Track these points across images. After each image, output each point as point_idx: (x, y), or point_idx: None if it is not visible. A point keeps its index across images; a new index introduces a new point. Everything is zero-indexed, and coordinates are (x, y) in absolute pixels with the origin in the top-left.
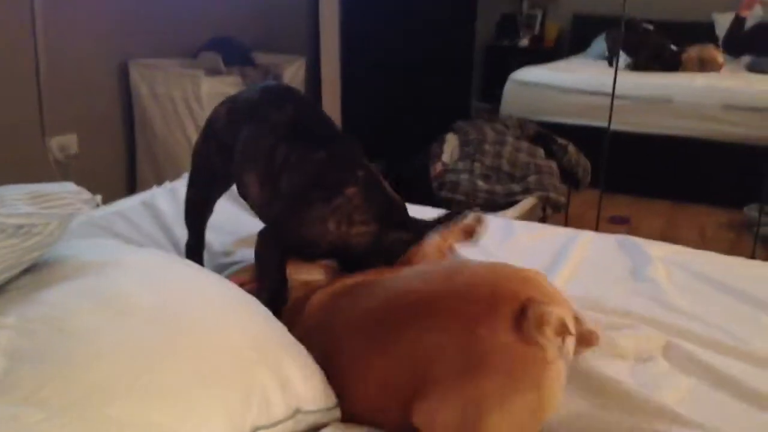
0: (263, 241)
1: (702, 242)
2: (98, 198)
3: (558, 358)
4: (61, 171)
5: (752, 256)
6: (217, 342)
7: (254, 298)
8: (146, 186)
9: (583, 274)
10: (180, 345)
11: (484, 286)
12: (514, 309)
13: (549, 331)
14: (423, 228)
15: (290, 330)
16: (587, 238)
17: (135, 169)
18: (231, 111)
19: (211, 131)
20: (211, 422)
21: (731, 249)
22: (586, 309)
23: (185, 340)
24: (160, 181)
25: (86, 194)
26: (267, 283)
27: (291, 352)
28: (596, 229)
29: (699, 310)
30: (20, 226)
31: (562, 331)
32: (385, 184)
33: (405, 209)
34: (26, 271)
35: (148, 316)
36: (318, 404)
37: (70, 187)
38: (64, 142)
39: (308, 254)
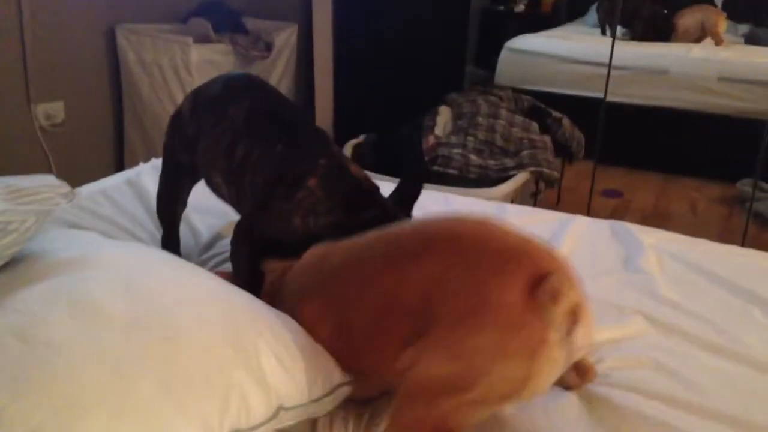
0: (235, 236)
1: (694, 217)
2: (76, 191)
3: (558, 342)
4: (48, 139)
5: (745, 232)
6: (192, 346)
7: (233, 286)
8: (134, 154)
9: (575, 263)
10: (153, 354)
11: (514, 243)
12: (533, 276)
13: (559, 309)
14: (392, 205)
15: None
16: (580, 223)
17: (123, 138)
18: (194, 106)
19: (176, 126)
20: None
21: (723, 224)
22: None
23: (158, 349)
24: (148, 150)
25: (64, 187)
26: (239, 279)
27: (272, 343)
28: (589, 202)
29: (691, 304)
30: None
31: (573, 317)
32: (353, 166)
33: (375, 189)
34: (0, 267)
35: (121, 324)
36: (302, 398)
37: (48, 180)
38: (50, 110)
39: (281, 252)
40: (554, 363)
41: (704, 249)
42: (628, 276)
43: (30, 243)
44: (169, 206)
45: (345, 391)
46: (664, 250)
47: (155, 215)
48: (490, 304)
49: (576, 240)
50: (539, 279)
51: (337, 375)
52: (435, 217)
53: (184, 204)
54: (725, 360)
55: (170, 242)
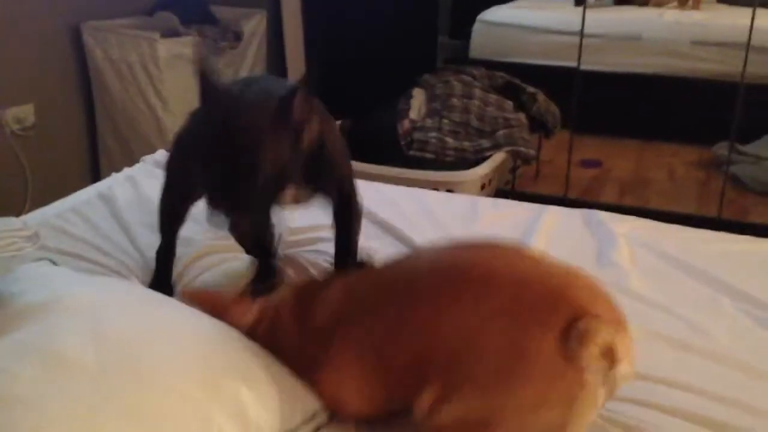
0: None
1: (672, 183)
2: (40, 233)
3: (597, 383)
4: (20, 144)
5: (722, 196)
6: (165, 391)
7: (209, 318)
8: (109, 154)
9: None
10: (125, 402)
11: (554, 284)
12: (570, 320)
13: (592, 351)
14: None
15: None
16: (553, 215)
17: (96, 138)
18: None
19: (178, 144)
20: None
21: (701, 189)
22: None
23: (131, 396)
24: (122, 148)
25: (27, 230)
26: None
27: (248, 376)
28: (567, 174)
29: (661, 297)
30: None
31: (609, 356)
32: None
33: None
34: None
35: (91, 374)
36: (283, 427)
37: (11, 223)
38: (20, 114)
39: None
40: (593, 403)
41: (676, 236)
42: (600, 271)
43: None
44: (173, 221)
45: (321, 418)
46: (636, 240)
47: (128, 231)
48: (527, 358)
49: (549, 235)
50: (574, 318)
51: (311, 403)
52: (468, 243)
53: (184, 219)
54: (695, 356)
55: (164, 255)
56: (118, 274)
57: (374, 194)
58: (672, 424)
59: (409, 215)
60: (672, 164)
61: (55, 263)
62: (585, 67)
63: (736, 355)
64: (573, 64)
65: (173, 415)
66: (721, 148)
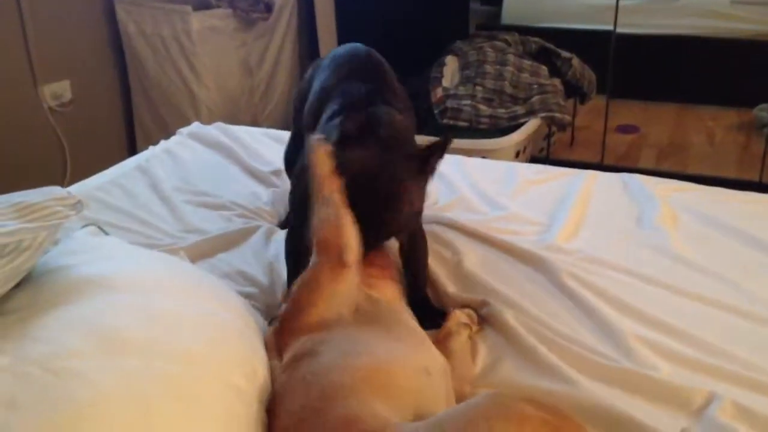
0: None
1: (711, 147)
2: (83, 201)
3: None
4: (57, 119)
5: (763, 159)
6: (213, 377)
7: (240, 299)
8: (145, 128)
9: (587, 226)
10: (174, 383)
11: None
12: None
13: None
14: None
15: None
16: (591, 179)
17: (131, 112)
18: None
19: (300, 89)
20: None
21: (741, 152)
22: (590, 264)
23: (181, 381)
24: (158, 122)
25: (71, 198)
26: None
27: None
28: (604, 140)
29: (706, 261)
30: (5, 245)
31: None
32: None
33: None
34: (18, 286)
35: (143, 355)
36: None
37: (55, 192)
38: (57, 90)
39: None
40: None
41: (718, 197)
42: (641, 234)
43: (48, 255)
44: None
45: None
46: (677, 203)
47: (168, 201)
48: None
49: (588, 200)
50: None
51: None
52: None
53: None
54: (742, 319)
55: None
56: (161, 243)
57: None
58: (722, 388)
59: (449, 180)
60: (711, 128)
61: (104, 231)
62: (621, 29)
63: None
64: (609, 27)
65: (221, 401)
66: (762, 110)
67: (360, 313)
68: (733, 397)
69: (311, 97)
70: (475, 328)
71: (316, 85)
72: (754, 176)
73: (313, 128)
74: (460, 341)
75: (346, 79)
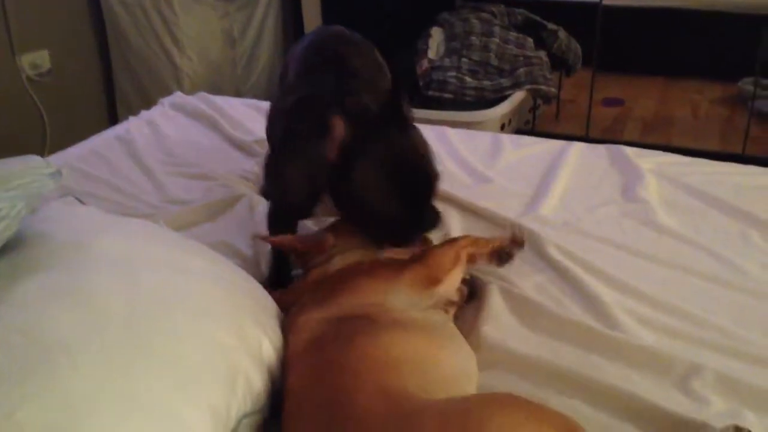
0: None
1: (695, 120)
2: (63, 170)
3: None
4: (36, 89)
5: (746, 132)
6: (195, 336)
7: (233, 266)
8: (126, 99)
9: (572, 196)
10: (157, 349)
11: None
12: None
13: None
14: None
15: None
16: (577, 151)
17: (112, 82)
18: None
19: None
20: (196, 425)
21: (725, 125)
22: (576, 236)
23: (162, 343)
24: (139, 93)
25: (50, 168)
26: None
27: (269, 330)
28: (589, 114)
29: (690, 232)
30: None
31: None
32: None
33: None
34: None
35: (122, 320)
36: None
37: (34, 161)
38: (35, 60)
39: None
40: None
41: (702, 170)
42: (626, 206)
43: (25, 223)
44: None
45: None
46: (663, 175)
47: (148, 171)
48: None
49: (574, 170)
50: None
51: None
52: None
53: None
54: (726, 289)
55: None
56: (141, 213)
57: None
58: (704, 356)
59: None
60: (696, 101)
61: (81, 202)
62: (607, 2)
63: (765, 288)
64: None
65: (203, 360)
66: (747, 84)
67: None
68: (714, 365)
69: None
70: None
71: (290, 77)
72: (737, 149)
73: None
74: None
75: (308, 73)
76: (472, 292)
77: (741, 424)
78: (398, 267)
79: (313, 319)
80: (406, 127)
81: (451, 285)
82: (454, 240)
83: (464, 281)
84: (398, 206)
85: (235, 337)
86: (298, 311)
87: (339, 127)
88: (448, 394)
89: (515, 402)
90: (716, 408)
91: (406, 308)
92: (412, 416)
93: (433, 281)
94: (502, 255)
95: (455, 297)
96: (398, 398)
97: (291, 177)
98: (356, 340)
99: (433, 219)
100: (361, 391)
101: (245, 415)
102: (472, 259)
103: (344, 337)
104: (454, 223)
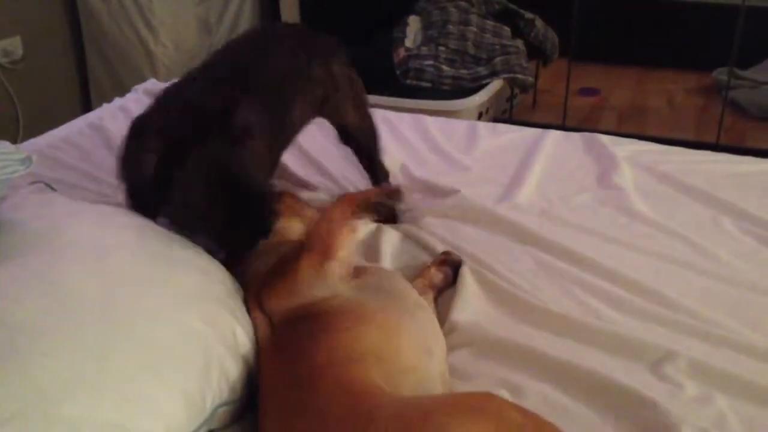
0: None
1: (671, 110)
2: (33, 157)
3: None
4: (8, 77)
5: (720, 121)
6: (167, 322)
7: (202, 253)
8: (99, 87)
9: (548, 182)
10: (128, 335)
11: None
12: None
13: None
14: None
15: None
16: (553, 139)
17: (86, 69)
18: None
19: None
20: (170, 412)
21: (700, 115)
22: (551, 223)
23: (133, 329)
24: (113, 80)
25: (20, 153)
26: None
27: (242, 318)
28: (565, 103)
29: (664, 219)
30: None
31: None
32: None
33: None
34: None
35: (94, 305)
36: None
37: (3, 146)
38: (7, 47)
39: None
40: None
41: (677, 158)
42: (602, 193)
43: None
44: None
45: None
46: (638, 163)
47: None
48: None
49: (550, 158)
50: None
51: None
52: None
53: None
54: (698, 275)
55: None
56: (113, 200)
57: None
58: (677, 341)
59: (408, 139)
60: (671, 91)
61: (52, 188)
62: None
63: (738, 274)
64: None
65: (177, 346)
66: (721, 74)
67: (363, 285)
68: (687, 350)
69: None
70: (432, 292)
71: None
72: (712, 138)
73: None
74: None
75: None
76: (456, 275)
77: None
78: (292, 262)
79: (266, 321)
80: (236, 143)
81: (346, 250)
82: (332, 207)
83: (447, 263)
84: (216, 221)
85: (207, 323)
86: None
87: (152, 145)
88: (411, 376)
89: (487, 408)
90: (689, 393)
91: (334, 292)
92: (370, 416)
93: (327, 256)
94: (379, 208)
95: (439, 280)
96: (360, 394)
97: (126, 186)
98: (319, 338)
99: (261, 232)
100: (324, 387)
101: (220, 405)
102: (356, 216)
103: (305, 336)
104: (428, 210)
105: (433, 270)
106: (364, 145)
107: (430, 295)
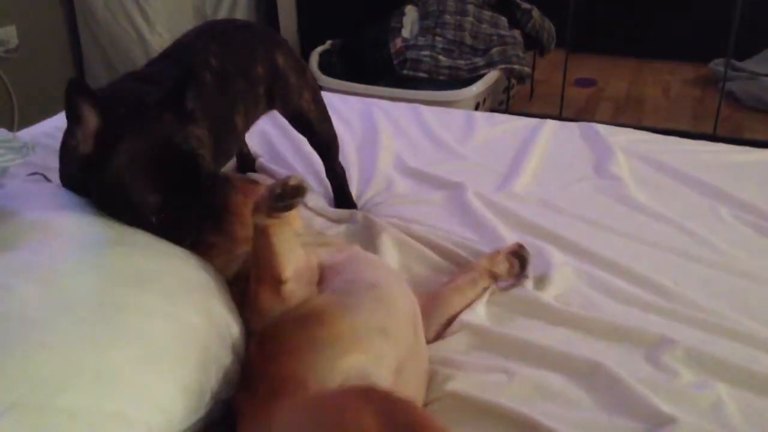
0: None
1: (667, 101)
2: (36, 147)
3: None
4: (3, 66)
5: (717, 113)
6: (164, 315)
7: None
8: (95, 76)
9: (546, 172)
10: (126, 326)
11: None
12: None
13: None
14: None
15: None
16: (550, 129)
17: (81, 59)
18: None
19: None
20: (168, 404)
21: (697, 106)
22: (549, 212)
23: (131, 320)
24: (108, 68)
25: (18, 141)
26: None
27: (234, 309)
28: (562, 93)
29: (661, 207)
30: None
31: None
32: None
33: None
34: None
35: (91, 297)
36: None
37: (0, 134)
38: (1, 36)
39: None
40: None
41: (674, 148)
42: (599, 182)
43: None
44: None
45: None
46: (634, 152)
47: None
48: None
49: (547, 147)
50: None
51: None
52: None
53: None
54: (695, 263)
55: None
56: None
57: (367, 108)
58: (674, 329)
59: (405, 129)
60: (668, 82)
61: (48, 179)
62: None
63: (735, 263)
64: None
65: (175, 340)
66: (718, 65)
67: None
68: (684, 338)
69: None
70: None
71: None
72: (708, 129)
73: None
74: (476, 291)
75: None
76: (523, 265)
77: None
78: (250, 296)
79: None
80: (183, 121)
81: (292, 266)
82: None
83: (517, 255)
84: (155, 203)
85: (204, 318)
86: None
87: (90, 117)
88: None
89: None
90: (685, 380)
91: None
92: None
93: (278, 281)
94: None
95: (502, 268)
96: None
97: (61, 165)
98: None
99: (204, 217)
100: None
101: (218, 396)
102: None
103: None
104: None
105: (501, 257)
106: (318, 133)
107: (482, 284)
